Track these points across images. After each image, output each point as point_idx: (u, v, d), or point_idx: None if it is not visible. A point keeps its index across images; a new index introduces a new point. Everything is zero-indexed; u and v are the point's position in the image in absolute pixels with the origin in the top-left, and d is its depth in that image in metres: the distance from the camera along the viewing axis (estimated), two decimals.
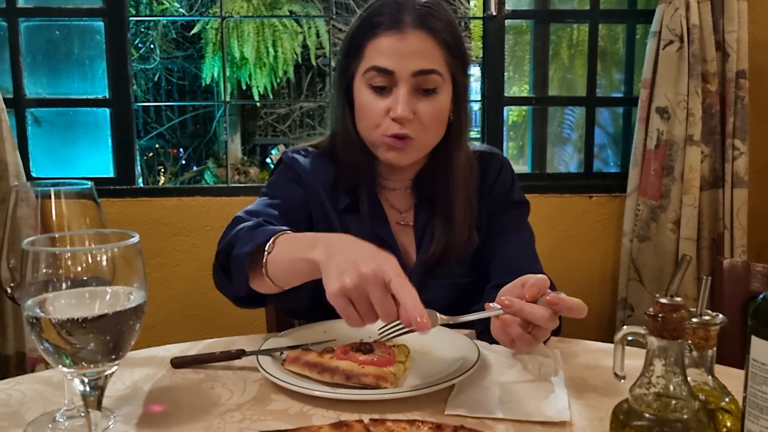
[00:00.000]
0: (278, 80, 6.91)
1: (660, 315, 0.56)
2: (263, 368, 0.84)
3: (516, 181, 1.24)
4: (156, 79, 7.22)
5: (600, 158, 2.56)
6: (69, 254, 0.56)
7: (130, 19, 2.25)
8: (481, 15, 2.35)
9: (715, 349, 0.63)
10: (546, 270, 1.02)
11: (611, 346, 0.70)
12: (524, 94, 2.65)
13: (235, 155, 7.37)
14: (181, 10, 6.63)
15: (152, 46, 6.95)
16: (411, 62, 1.05)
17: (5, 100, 2.04)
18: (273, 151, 7.52)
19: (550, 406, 0.78)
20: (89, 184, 0.77)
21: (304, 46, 6.72)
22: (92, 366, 0.56)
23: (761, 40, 2.22)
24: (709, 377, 0.63)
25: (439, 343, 0.95)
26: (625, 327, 0.60)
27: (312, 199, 1.16)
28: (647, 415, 0.56)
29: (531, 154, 2.53)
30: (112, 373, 0.58)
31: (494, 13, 2.26)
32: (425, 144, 1.12)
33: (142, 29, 6.69)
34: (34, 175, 2.23)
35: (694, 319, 0.62)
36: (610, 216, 2.31)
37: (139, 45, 6.80)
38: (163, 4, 6.44)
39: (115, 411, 0.78)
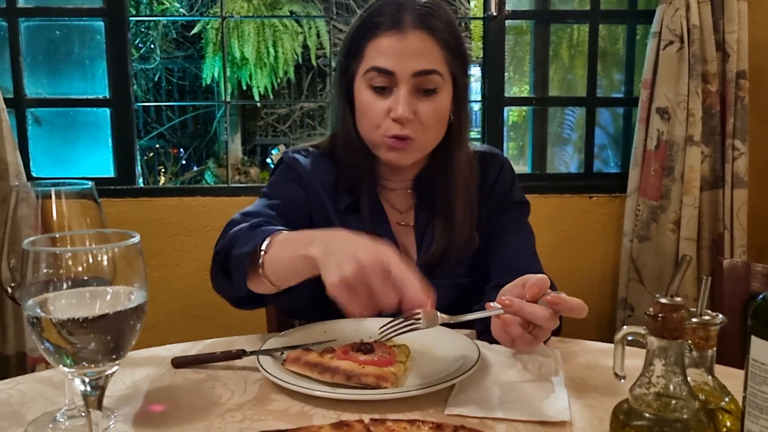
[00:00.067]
0: (279, 80, 6.91)
1: (660, 315, 0.56)
2: (264, 368, 0.84)
3: (516, 182, 1.25)
4: (156, 79, 7.23)
5: (600, 159, 2.56)
6: (70, 254, 0.56)
7: (131, 19, 2.25)
8: (482, 15, 2.36)
9: (715, 349, 0.63)
10: (546, 270, 1.02)
11: (611, 346, 0.70)
12: (524, 95, 2.65)
13: (235, 155, 7.38)
14: (181, 10, 6.63)
15: (152, 46, 6.96)
16: (411, 62, 1.05)
17: (5, 100, 2.05)
18: (273, 152, 7.52)
19: (550, 406, 0.78)
20: (90, 184, 0.77)
21: (305, 47, 6.73)
22: (93, 366, 0.56)
23: (761, 41, 2.22)
24: (709, 377, 0.63)
25: (440, 343, 0.95)
26: (625, 327, 0.60)
27: (312, 200, 1.16)
28: (647, 415, 0.56)
29: (531, 154, 2.53)
30: (113, 372, 0.58)
31: (494, 14, 2.26)
32: (426, 144, 1.12)
33: (143, 29, 6.69)
34: (34, 175, 2.23)
35: (694, 319, 0.62)
36: (611, 216, 2.31)
37: (140, 45, 6.81)
38: (163, 4, 6.44)
39: (115, 411, 0.79)
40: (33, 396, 0.83)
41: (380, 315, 0.77)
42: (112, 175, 2.26)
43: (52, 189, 0.74)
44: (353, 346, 0.88)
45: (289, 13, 6.93)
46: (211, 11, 6.46)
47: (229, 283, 0.96)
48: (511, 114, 3.11)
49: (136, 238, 0.57)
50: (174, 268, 2.22)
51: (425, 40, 1.06)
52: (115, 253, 0.56)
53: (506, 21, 2.29)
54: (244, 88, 6.80)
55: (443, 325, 0.88)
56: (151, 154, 7.31)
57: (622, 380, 0.61)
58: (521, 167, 2.59)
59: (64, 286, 0.55)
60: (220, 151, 7.20)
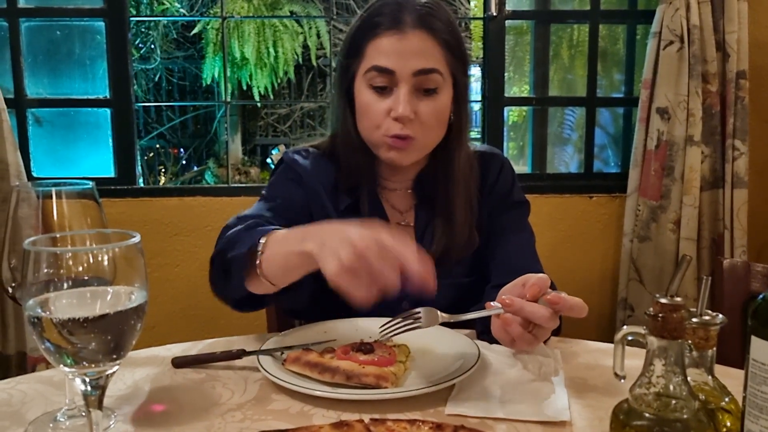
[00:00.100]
0: (279, 80, 6.91)
1: (660, 315, 0.56)
2: (264, 368, 0.84)
3: (516, 182, 1.25)
4: (156, 79, 7.23)
5: (600, 158, 2.56)
6: (70, 254, 0.56)
7: (131, 19, 2.25)
8: (482, 15, 2.36)
9: (715, 349, 0.63)
10: (546, 270, 1.02)
11: (611, 346, 0.70)
12: (524, 95, 2.65)
13: (235, 155, 7.38)
14: (181, 10, 6.63)
15: (153, 46, 6.96)
16: (411, 62, 1.05)
17: (6, 100, 2.05)
18: (273, 152, 7.53)
19: (550, 406, 0.78)
20: (90, 184, 0.77)
21: (305, 47, 6.73)
22: (93, 366, 0.56)
23: (761, 41, 2.22)
24: (709, 377, 0.63)
25: (440, 342, 0.95)
26: (625, 327, 0.60)
27: (312, 200, 1.16)
28: (647, 414, 0.56)
29: (531, 154, 2.53)
30: (113, 372, 0.58)
31: (494, 14, 2.26)
32: (426, 144, 1.12)
33: (143, 29, 6.69)
34: (35, 175, 2.23)
35: (694, 319, 0.62)
36: (611, 216, 2.31)
37: (140, 45, 6.81)
38: (163, 4, 6.45)
39: (116, 410, 0.79)
40: (33, 396, 0.83)
41: (384, 299, 0.76)
42: (112, 175, 2.26)
43: (53, 189, 0.74)
44: (353, 346, 0.88)
45: (289, 13, 6.93)
46: (211, 11, 6.47)
47: (229, 285, 0.96)
48: (511, 114, 3.11)
49: (137, 238, 0.57)
50: (174, 268, 2.22)
51: (425, 40, 1.06)
52: (116, 253, 0.56)
53: (506, 21, 2.29)
54: (245, 88, 6.80)
55: (443, 324, 0.88)
56: (152, 154, 7.32)
57: (622, 380, 0.61)
58: (521, 167, 2.59)
59: (65, 286, 0.55)
60: (220, 151, 7.20)
